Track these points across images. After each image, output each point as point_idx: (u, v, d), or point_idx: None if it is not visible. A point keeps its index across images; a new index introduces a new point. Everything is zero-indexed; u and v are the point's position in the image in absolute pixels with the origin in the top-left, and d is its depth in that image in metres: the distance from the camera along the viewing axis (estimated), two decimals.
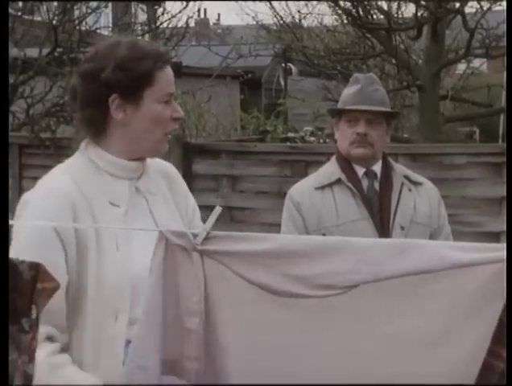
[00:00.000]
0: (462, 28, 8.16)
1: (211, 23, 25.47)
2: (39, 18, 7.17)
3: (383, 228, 2.72)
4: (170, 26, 7.39)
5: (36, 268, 1.14)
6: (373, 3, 7.46)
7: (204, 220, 1.52)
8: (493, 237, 4.84)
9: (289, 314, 1.37)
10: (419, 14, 6.96)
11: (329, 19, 9.47)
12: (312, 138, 10.05)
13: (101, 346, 1.68)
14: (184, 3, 7.36)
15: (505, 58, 6.25)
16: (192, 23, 8.28)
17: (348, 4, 7.23)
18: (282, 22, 9.11)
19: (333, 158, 2.89)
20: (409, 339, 1.37)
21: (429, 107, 6.68)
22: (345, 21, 8.01)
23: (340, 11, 7.59)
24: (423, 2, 6.69)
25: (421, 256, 1.33)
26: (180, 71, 6.70)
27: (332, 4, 7.59)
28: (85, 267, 1.69)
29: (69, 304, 1.68)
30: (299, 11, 8.94)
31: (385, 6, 7.71)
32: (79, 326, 1.69)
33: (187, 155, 5.66)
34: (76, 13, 6.96)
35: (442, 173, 5.02)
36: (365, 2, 7.26)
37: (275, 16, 9.59)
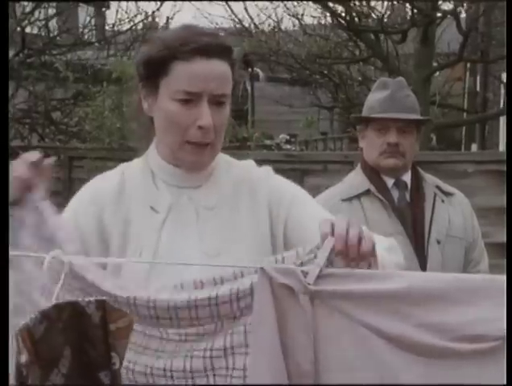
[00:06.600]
0: (444, 32, 8.02)
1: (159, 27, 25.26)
2: None
3: (418, 243, 2.53)
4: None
5: (103, 307, 1.01)
6: (364, 4, 7.22)
7: None
8: (500, 248, 4.60)
9: (426, 370, 1.05)
10: (408, 16, 6.76)
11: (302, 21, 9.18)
12: (288, 146, 9.86)
13: None
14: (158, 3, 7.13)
15: (506, 59, 6.07)
16: (139, 27, 7.98)
17: (334, 6, 6.99)
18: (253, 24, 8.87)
19: (358, 168, 2.71)
20: None
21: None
22: (327, 22, 7.79)
23: (327, 13, 7.35)
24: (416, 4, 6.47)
25: None
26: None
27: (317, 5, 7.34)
28: None
29: None
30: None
31: (375, 7, 7.49)
32: None
33: None
34: (43, 12, 6.62)
35: (448, 181, 4.74)
36: (354, 3, 7.02)
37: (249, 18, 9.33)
